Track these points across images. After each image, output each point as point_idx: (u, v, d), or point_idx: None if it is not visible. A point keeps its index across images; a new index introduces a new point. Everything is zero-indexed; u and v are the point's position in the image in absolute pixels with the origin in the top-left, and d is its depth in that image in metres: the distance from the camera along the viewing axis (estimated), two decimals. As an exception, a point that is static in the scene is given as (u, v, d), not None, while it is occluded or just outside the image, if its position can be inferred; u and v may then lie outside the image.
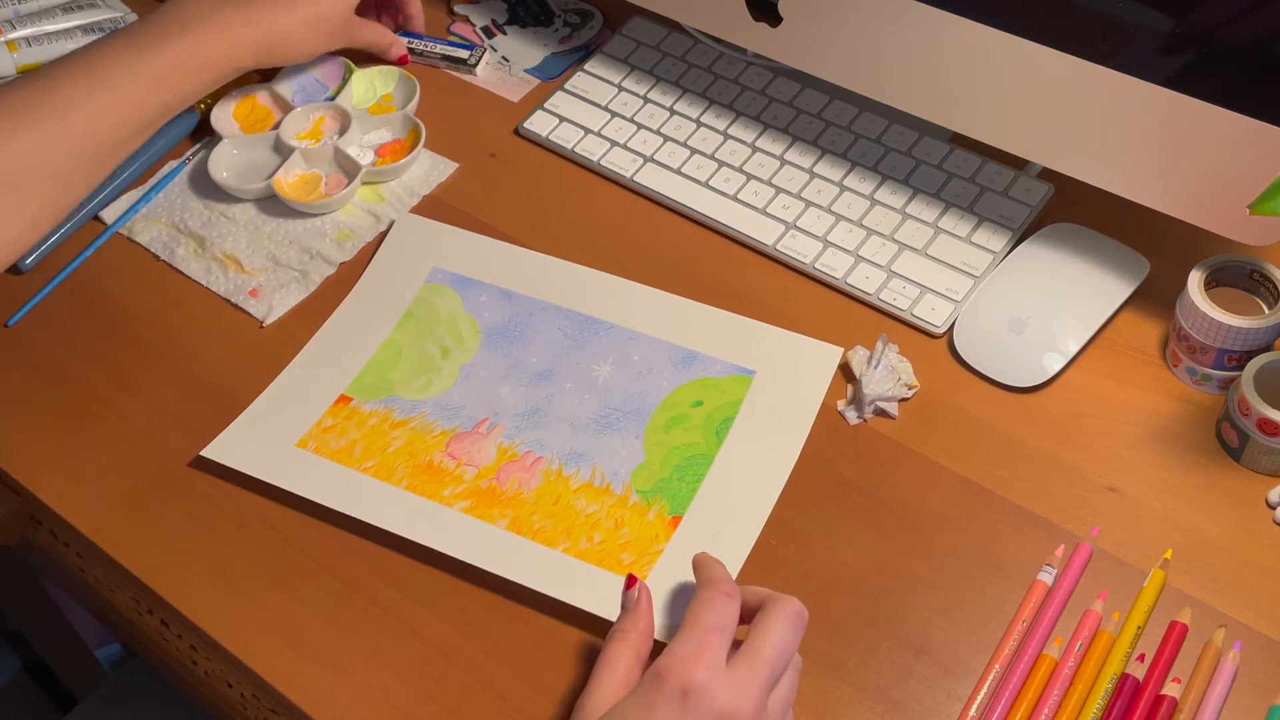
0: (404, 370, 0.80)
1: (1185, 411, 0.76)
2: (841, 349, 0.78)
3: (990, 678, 0.65)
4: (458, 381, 0.79)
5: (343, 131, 0.92)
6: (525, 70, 0.98)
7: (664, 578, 0.69)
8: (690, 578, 0.68)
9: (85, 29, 1.02)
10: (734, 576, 0.69)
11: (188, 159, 0.93)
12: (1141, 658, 0.66)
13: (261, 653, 0.69)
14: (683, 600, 0.68)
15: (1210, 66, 0.70)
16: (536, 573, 0.69)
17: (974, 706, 0.64)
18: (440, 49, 0.97)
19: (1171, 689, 0.64)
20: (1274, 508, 0.71)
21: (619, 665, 0.60)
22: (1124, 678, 0.65)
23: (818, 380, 0.77)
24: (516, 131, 0.94)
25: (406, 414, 0.78)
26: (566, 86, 0.95)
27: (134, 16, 1.02)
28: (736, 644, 0.59)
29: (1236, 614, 0.67)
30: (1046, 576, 0.68)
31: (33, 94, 0.78)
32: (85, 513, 0.75)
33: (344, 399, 0.78)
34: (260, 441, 0.76)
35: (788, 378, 0.76)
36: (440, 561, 0.71)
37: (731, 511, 0.72)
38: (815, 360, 0.78)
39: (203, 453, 0.75)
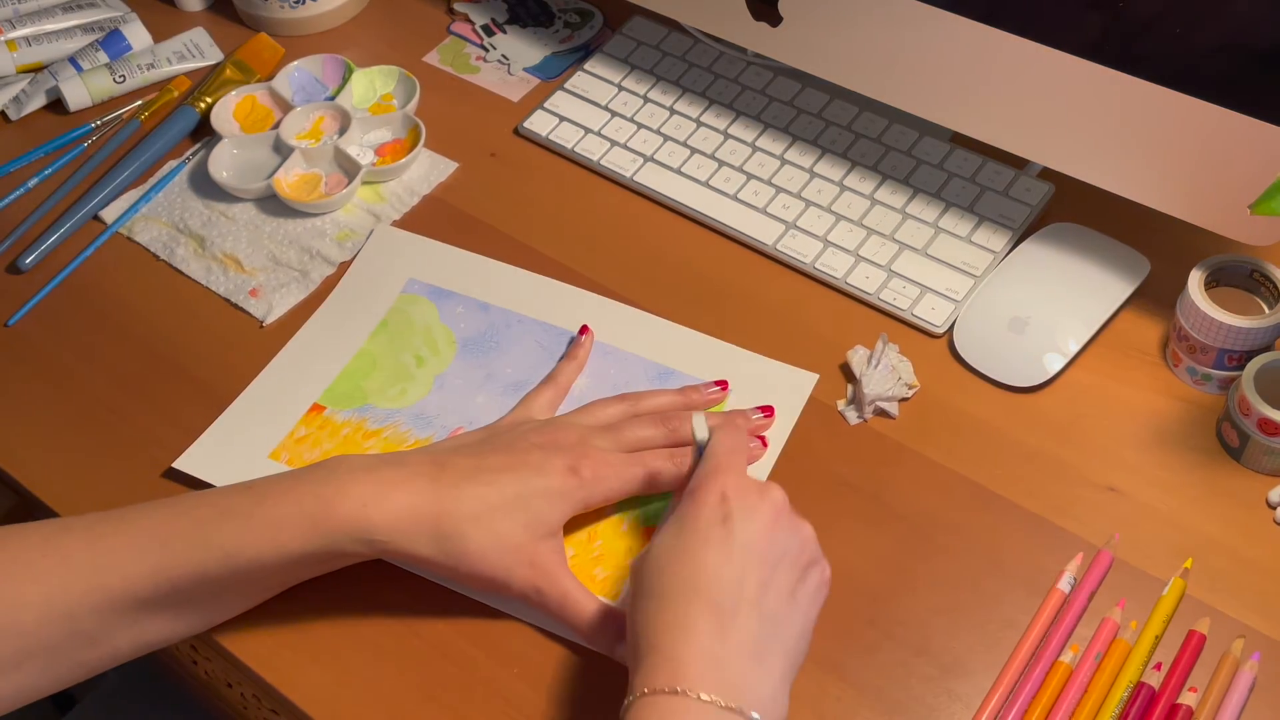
0: (378, 379, 0.79)
1: (1186, 411, 0.76)
2: (817, 375, 0.78)
3: (1003, 688, 0.64)
4: (432, 390, 0.79)
5: (343, 131, 0.91)
6: (525, 70, 0.98)
7: None
8: None
9: (85, 28, 1.01)
10: None
11: (187, 159, 0.93)
12: (1158, 666, 0.65)
13: (261, 653, 0.68)
14: None
15: (1210, 66, 0.70)
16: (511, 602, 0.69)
17: (985, 714, 0.64)
18: None
19: (1188, 698, 0.64)
20: (1274, 508, 0.71)
21: None
22: (1140, 686, 0.64)
23: (791, 405, 0.76)
24: (516, 131, 0.94)
25: (380, 423, 0.77)
26: (566, 86, 0.95)
27: (134, 16, 1.02)
28: None
29: (1236, 614, 0.67)
30: (1065, 585, 0.68)
31: None
32: (84, 512, 0.75)
33: (317, 408, 0.78)
34: (233, 453, 0.75)
35: (762, 400, 0.76)
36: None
37: None
38: (790, 386, 0.77)
39: (175, 464, 0.75)
